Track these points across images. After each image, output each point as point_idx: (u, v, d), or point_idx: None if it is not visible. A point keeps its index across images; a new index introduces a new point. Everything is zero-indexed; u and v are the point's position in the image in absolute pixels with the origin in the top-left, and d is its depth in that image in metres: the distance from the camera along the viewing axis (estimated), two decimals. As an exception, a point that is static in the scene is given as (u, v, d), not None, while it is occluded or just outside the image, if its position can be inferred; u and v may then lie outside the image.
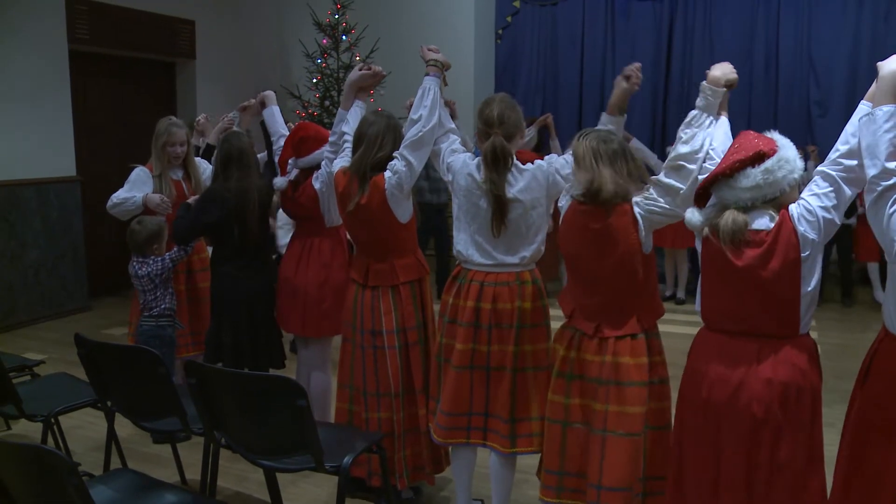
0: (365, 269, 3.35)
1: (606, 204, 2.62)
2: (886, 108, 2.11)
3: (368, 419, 3.36)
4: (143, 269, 3.97)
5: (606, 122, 2.99)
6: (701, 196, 2.45)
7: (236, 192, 3.70)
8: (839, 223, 2.31)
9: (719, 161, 2.49)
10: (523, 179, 2.98)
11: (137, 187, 4.42)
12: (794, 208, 2.30)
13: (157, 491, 2.66)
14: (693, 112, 2.61)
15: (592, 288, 2.76)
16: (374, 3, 9.23)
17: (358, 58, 8.89)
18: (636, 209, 2.65)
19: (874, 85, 2.22)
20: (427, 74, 3.18)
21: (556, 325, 2.96)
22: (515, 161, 3.01)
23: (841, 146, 2.27)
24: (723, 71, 2.63)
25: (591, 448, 2.73)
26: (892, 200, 2.05)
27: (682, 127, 2.63)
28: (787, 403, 2.31)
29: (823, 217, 2.27)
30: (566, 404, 2.79)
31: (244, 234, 3.73)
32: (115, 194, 4.41)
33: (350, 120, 3.51)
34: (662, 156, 7.16)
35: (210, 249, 4.44)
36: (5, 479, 2.24)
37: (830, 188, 2.28)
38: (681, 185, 2.56)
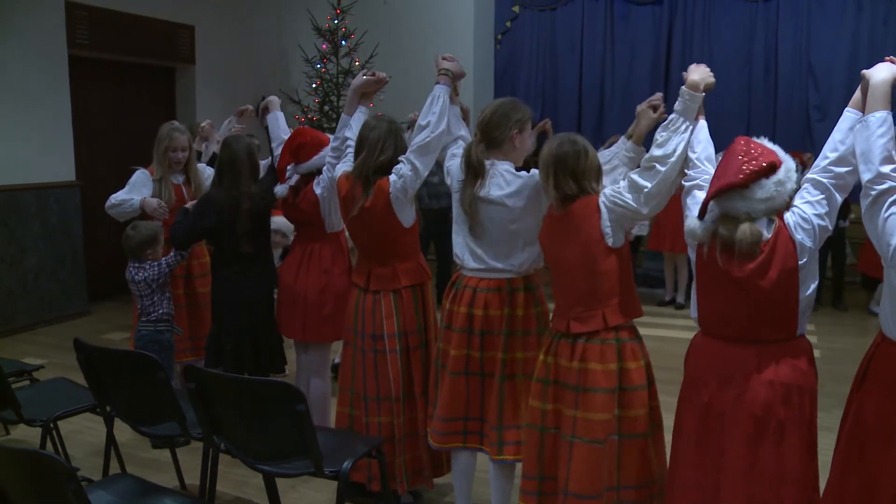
0: (367, 274, 3.36)
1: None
2: (879, 115, 2.17)
3: (369, 423, 3.36)
4: (140, 274, 3.98)
5: (630, 150, 3.02)
6: (706, 206, 2.42)
7: (227, 199, 3.71)
8: (832, 229, 2.34)
9: (703, 167, 2.54)
10: (513, 185, 2.97)
11: (137, 190, 4.43)
12: (789, 217, 2.31)
13: (157, 496, 2.66)
14: (671, 116, 2.64)
15: (561, 280, 2.79)
16: (373, 9, 9.24)
17: (357, 63, 8.90)
18: (601, 199, 2.68)
19: (857, 92, 2.30)
20: (438, 83, 3.20)
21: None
22: (508, 166, 3.00)
23: (830, 153, 2.31)
24: (701, 75, 2.65)
25: (560, 454, 2.74)
26: (887, 204, 2.09)
27: (659, 129, 2.65)
28: (790, 404, 2.33)
29: (818, 224, 2.30)
30: (543, 409, 2.80)
31: (234, 241, 3.73)
32: (115, 195, 4.42)
33: (353, 125, 3.52)
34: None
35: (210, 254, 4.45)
36: (4, 485, 2.24)
37: (822, 195, 2.31)
38: (646, 184, 2.60)
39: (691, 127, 2.62)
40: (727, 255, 2.32)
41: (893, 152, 2.14)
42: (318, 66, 8.99)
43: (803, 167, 2.46)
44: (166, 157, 4.47)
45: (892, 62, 2.30)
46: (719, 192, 2.31)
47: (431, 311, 3.44)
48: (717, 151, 2.66)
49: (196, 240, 4.08)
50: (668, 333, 6.16)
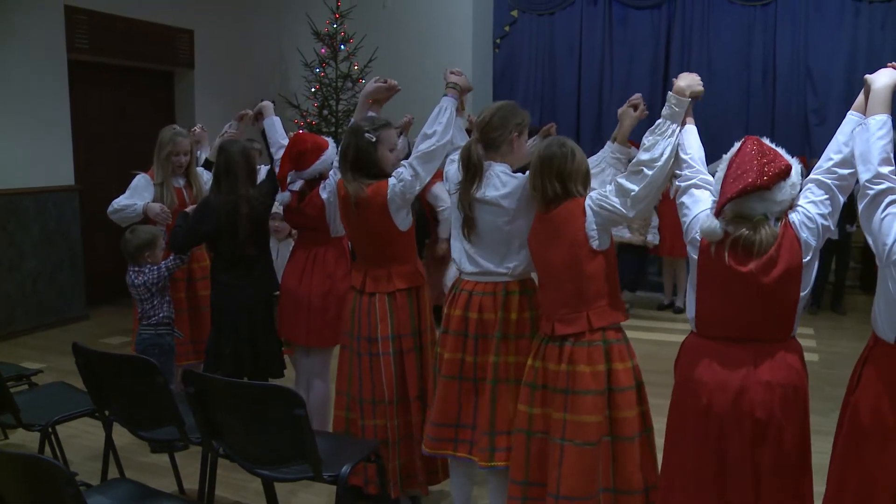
0: (363, 276, 3.37)
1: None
2: (879, 118, 2.24)
3: (364, 426, 3.36)
4: (139, 278, 3.98)
5: (616, 151, 3.08)
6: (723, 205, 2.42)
7: (225, 203, 3.71)
8: (834, 229, 2.39)
9: (697, 167, 2.56)
10: (508, 186, 2.97)
11: (138, 194, 4.43)
12: (794, 216, 2.35)
13: (155, 500, 2.66)
14: (658, 120, 2.66)
15: (546, 281, 2.82)
16: (372, 13, 9.26)
17: (356, 67, 8.92)
18: (588, 201, 2.72)
19: (861, 96, 2.36)
20: (445, 95, 3.24)
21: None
22: (504, 168, 3.01)
23: (833, 155, 2.36)
24: (688, 82, 2.69)
25: (549, 457, 2.74)
26: (884, 204, 2.14)
27: (647, 133, 2.67)
28: (787, 405, 2.36)
29: (822, 224, 2.34)
30: (530, 414, 2.81)
31: (234, 245, 3.73)
32: (117, 200, 4.43)
33: None
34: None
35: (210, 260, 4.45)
36: (3, 489, 2.24)
37: (826, 196, 2.35)
38: (633, 188, 2.63)
39: (678, 131, 2.65)
40: (736, 253, 2.33)
41: (892, 155, 2.19)
42: (317, 70, 9.00)
43: (807, 171, 2.51)
44: (169, 161, 4.47)
45: (893, 68, 2.35)
46: (744, 192, 2.31)
47: (427, 316, 3.44)
48: (714, 154, 2.67)
49: (195, 244, 4.08)
50: (667, 337, 6.15)
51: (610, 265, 2.76)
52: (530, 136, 3.42)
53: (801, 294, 2.37)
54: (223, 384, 2.83)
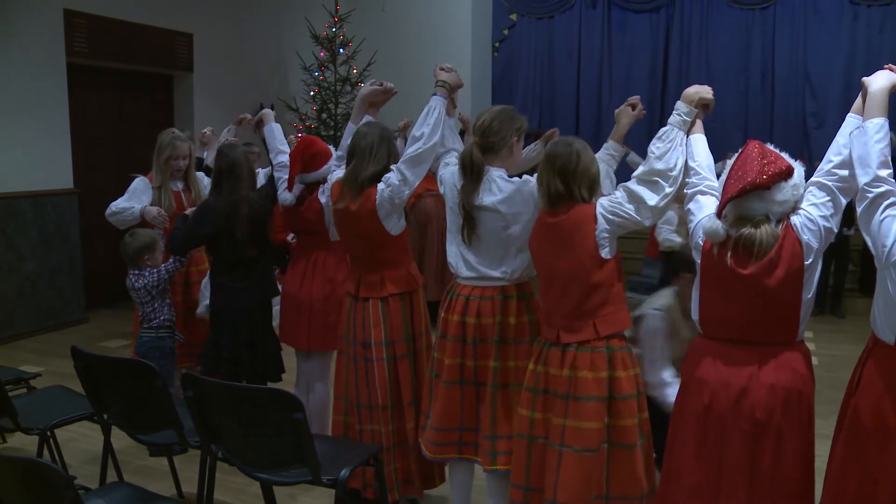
0: (357, 281, 3.37)
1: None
2: (876, 121, 2.25)
3: (362, 431, 3.36)
4: (139, 281, 3.98)
5: (611, 148, 3.10)
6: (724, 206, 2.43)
7: (225, 205, 3.71)
8: (836, 231, 2.39)
9: (704, 174, 2.56)
10: (505, 191, 2.96)
11: (137, 197, 4.43)
12: (796, 219, 2.36)
13: (154, 504, 2.66)
14: (664, 128, 2.67)
15: (551, 288, 2.79)
16: (371, 16, 9.26)
17: (355, 70, 8.92)
18: (599, 209, 2.68)
19: (859, 98, 2.38)
20: (434, 94, 3.19)
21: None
22: (501, 172, 3.00)
23: (834, 157, 2.38)
24: (696, 89, 2.70)
25: (548, 463, 2.73)
26: (882, 207, 2.16)
27: (654, 140, 2.67)
28: (789, 409, 2.36)
29: (824, 226, 2.35)
30: (532, 418, 2.80)
31: (234, 247, 3.73)
32: (115, 203, 4.43)
33: None
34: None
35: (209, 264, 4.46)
36: (1, 493, 2.23)
37: (827, 198, 2.36)
38: (651, 198, 2.62)
39: (686, 139, 2.66)
40: (739, 254, 2.34)
41: (890, 158, 2.21)
42: (316, 73, 9.00)
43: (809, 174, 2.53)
44: (168, 165, 4.47)
45: (890, 70, 2.37)
46: (743, 191, 2.33)
47: (421, 320, 3.42)
48: (715, 158, 2.68)
49: (194, 246, 4.07)
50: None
51: (617, 273, 2.75)
52: (532, 140, 3.41)
53: (806, 297, 2.37)
54: (222, 388, 2.83)
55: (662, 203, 2.64)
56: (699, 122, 2.72)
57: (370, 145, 3.24)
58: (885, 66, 2.40)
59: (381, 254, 3.32)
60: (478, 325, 3.01)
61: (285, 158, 3.92)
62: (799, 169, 2.40)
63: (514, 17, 9.85)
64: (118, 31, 7.63)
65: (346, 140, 3.55)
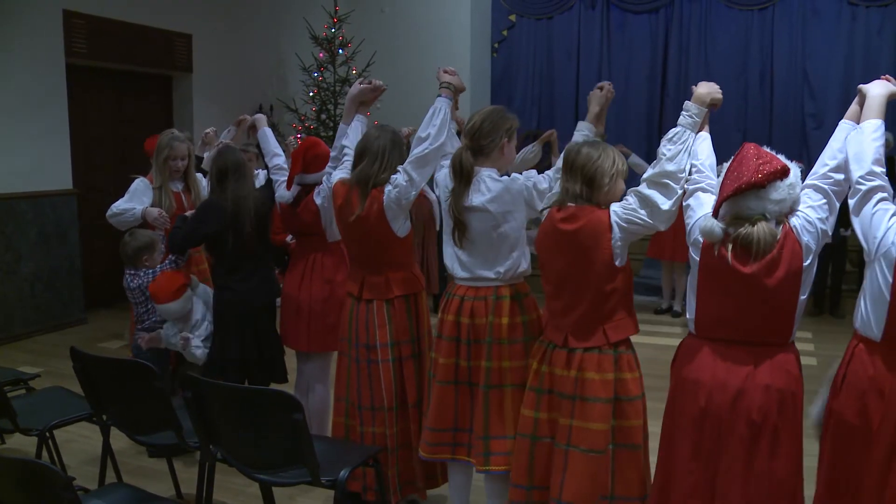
0: (360, 283, 3.36)
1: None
2: (873, 122, 2.37)
3: (363, 433, 3.35)
4: (135, 281, 3.98)
5: (583, 128, 3.06)
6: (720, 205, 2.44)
7: (233, 200, 3.71)
8: (831, 233, 2.42)
9: (706, 173, 2.57)
10: (494, 190, 2.97)
11: (137, 198, 4.44)
12: (795, 220, 2.38)
13: (153, 505, 2.66)
14: (675, 129, 2.66)
15: (561, 295, 2.77)
16: (370, 17, 9.27)
17: (354, 71, 8.93)
18: (614, 217, 2.66)
19: (854, 104, 2.47)
20: (439, 95, 3.19)
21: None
22: (490, 172, 3.00)
23: (829, 160, 2.42)
24: (708, 90, 2.71)
25: (554, 462, 2.73)
26: (874, 200, 2.24)
27: (664, 142, 2.66)
28: (784, 409, 2.37)
29: (821, 228, 2.38)
30: (536, 418, 2.80)
31: (240, 242, 3.73)
32: (116, 204, 4.43)
33: (350, 134, 3.53)
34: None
35: (208, 264, 4.46)
36: (0, 494, 2.23)
37: (823, 200, 2.40)
38: (664, 202, 2.60)
39: (696, 139, 2.66)
40: (738, 253, 2.35)
41: (884, 158, 2.29)
42: (315, 74, 9.00)
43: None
44: (167, 165, 4.48)
45: (887, 80, 2.45)
46: (738, 190, 2.34)
47: (425, 322, 3.43)
48: (715, 159, 2.69)
49: (195, 245, 4.07)
50: (666, 342, 6.13)
51: (628, 279, 2.74)
52: (530, 140, 3.41)
53: (801, 298, 2.39)
54: (221, 388, 2.83)
55: (675, 205, 2.62)
56: (706, 120, 2.73)
57: (382, 149, 3.24)
58: (883, 76, 2.47)
59: (386, 255, 3.31)
60: (471, 325, 3.02)
61: (281, 161, 3.96)
62: (795, 169, 2.40)
63: (513, 17, 9.85)
64: (117, 32, 7.63)
65: (338, 140, 3.56)
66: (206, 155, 5.00)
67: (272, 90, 9.51)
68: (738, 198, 2.35)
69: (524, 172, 3.04)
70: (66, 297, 7.18)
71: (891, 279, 2.18)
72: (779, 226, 2.36)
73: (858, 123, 2.41)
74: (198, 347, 3.86)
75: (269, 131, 4.13)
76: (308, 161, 3.74)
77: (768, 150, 2.44)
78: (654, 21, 9.37)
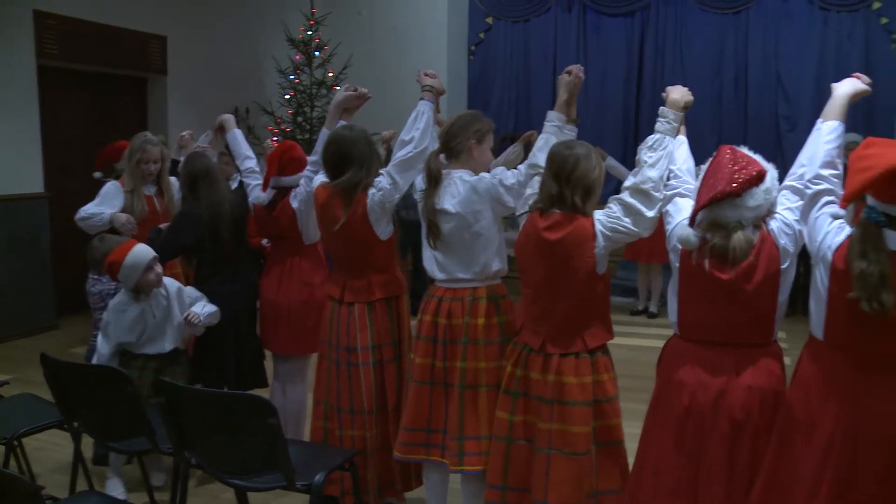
0: (342, 285, 3.35)
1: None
2: (832, 124, 2.38)
3: (342, 437, 3.34)
4: (96, 286, 3.93)
5: (553, 119, 3.05)
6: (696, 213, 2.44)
7: (208, 207, 3.69)
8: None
9: (683, 178, 2.59)
10: (462, 191, 2.99)
11: (108, 202, 4.38)
12: (772, 223, 2.39)
13: (125, 513, 2.62)
14: (654, 136, 2.67)
15: (540, 300, 2.78)
16: (347, 20, 9.24)
17: (331, 74, 8.89)
18: (598, 226, 2.66)
19: (829, 102, 2.44)
20: (422, 99, 3.21)
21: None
22: (463, 173, 3.03)
23: (806, 161, 2.40)
24: (681, 93, 2.73)
25: (536, 466, 2.73)
26: (820, 204, 2.28)
27: (643, 150, 2.67)
28: (765, 409, 2.39)
29: (798, 230, 2.39)
30: (511, 421, 2.81)
31: (218, 248, 3.70)
32: (84, 207, 4.38)
33: None
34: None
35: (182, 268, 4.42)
36: (-34, 504, 2.19)
37: (801, 201, 2.39)
38: (648, 210, 2.61)
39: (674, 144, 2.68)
40: (715, 261, 2.36)
41: (838, 160, 2.31)
42: (292, 77, 8.96)
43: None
44: (139, 168, 4.43)
45: (857, 78, 2.45)
46: (713, 200, 2.34)
47: (406, 324, 3.43)
48: (693, 163, 2.69)
49: (171, 258, 4.00)
50: (642, 342, 6.17)
51: (607, 286, 2.77)
52: (508, 143, 3.41)
53: (782, 300, 2.42)
54: (195, 394, 2.80)
55: (658, 212, 2.64)
56: (683, 123, 2.75)
57: (366, 155, 3.25)
58: (853, 73, 2.48)
59: (368, 258, 3.31)
60: (448, 325, 3.03)
61: (253, 164, 3.96)
62: (772, 172, 2.41)
63: (490, 20, 9.86)
64: (90, 33, 7.55)
65: (320, 145, 3.54)
66: (181, 158, 4.96)
67: (248, 93, 9.44)
68: (713, 206, 2.36)
69: (492, 171, 3.05)
70: (37, 302, 7.08)
71: (828, 283, 2.22)
72: (756, 230, 2.37)
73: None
74: (203, 311, 3.63)
75: (238, 133, 4.10)
76: (284, 164, 3.73)
77: (745, 150, 2.44)
78: (630, 24, 9.42)
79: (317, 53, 8.93)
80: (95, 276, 3.96)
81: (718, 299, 2.39)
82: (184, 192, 3.83)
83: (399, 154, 3.18)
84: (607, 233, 2.65)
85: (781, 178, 2.49)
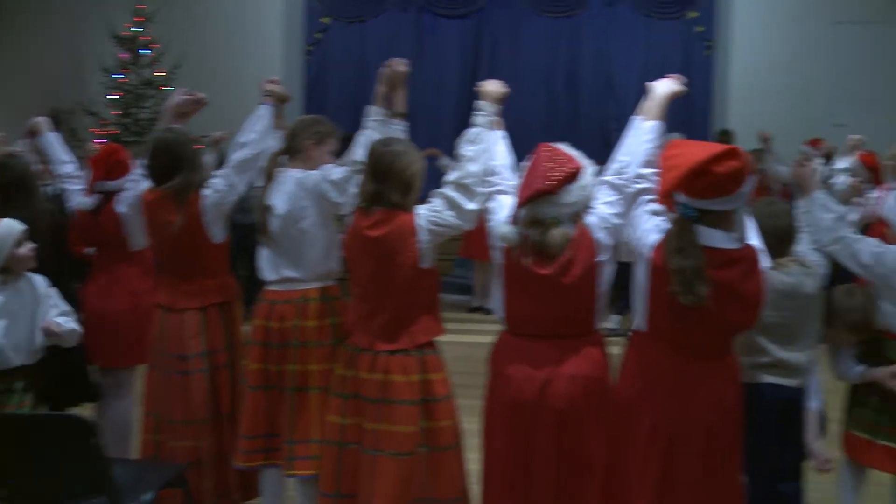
0: (172, 292, 3.25)
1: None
2: (651, 123, 2.52)
3: (174, 448, 3.22)
4: None
5: (373, 115, 3.05)
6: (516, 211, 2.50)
7: (25, 220, 3.42)
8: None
9: (504, 174, 2.65)
10: (288, 188, 3.00)
11: None
12: (589, 218, 2.47)
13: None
14: (475, 129, 2.72)
15: (368, 298, 2.78)
16: (177, 17, 8.90)
17: (163, 73, 8.54)
18: (420, 221, 2.68)
19: (646, 102, 2.60)
20: (263, 103, 3.18)
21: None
22: (295, 172, 3.03)
23: (622, 157, 2.52)
24: (496, 86, 2.79)
25: (362, 468, 2.72)
26: (640, 202, 2.41)
27: (464, 144, 2.71)
28: (590, 396, 2.48)
29: (616, 223, 2.48)
30: (342, 424, 2.79)
31: (38, 261, 3.46)
32: None
33: None
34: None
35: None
36: None
37: (619, 196, 2.49)
38: (469, 202, 2.65)
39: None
40: (535, 256, 2.42)
41: (655, 158, 2.44)
42: (118, 76, 8.53)
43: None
44: None
45: (673, 79, 2.61)
46: (531, 198, 2.40)
47: (238, 330, 3.37)
48: (521, 160, 2.75)
49: None
50: (480, 339, 6.19)
51: (434, 281, 2.79)
52: (345, 144, 3.39)
53: (601, 291, 2.50)
54: (4, 418, 2.59)
55: (480, 204, 2.67)
56: (500, 120, 2.80)
57: (193, 155, 3.22)
58: (671, 75, 2.64)
59: (201, 262, 3.23)
60: (280, 328, 3.01)
61: (72, 169, 3.78)
62: (588, 169, 2.49)
63: (326, 20, 9.79)
64: None
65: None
66: None
67: (71, 93, 8.89)
68: (532, 203, 2.42)
69: (320, 167, 3.04)
70: None
71: (648, 278, 2.37)
72: (574, 225, 2.45)
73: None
74: (67, 326, 3.16)
75: (53, 136, 3.88)
76: (110, 167, 3.60)
77: (566, 147, 2.52)
78: (465, 26, 9.63)
79: (146, 51, 8.56)
80: None
81: (540, 293, 2.46)
82: None
83: (236, 156, 3.15)
84: (430, 227, 2.67)
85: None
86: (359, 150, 2.93)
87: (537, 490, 2.49)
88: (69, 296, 3.65)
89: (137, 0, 8.59)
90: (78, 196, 3.69)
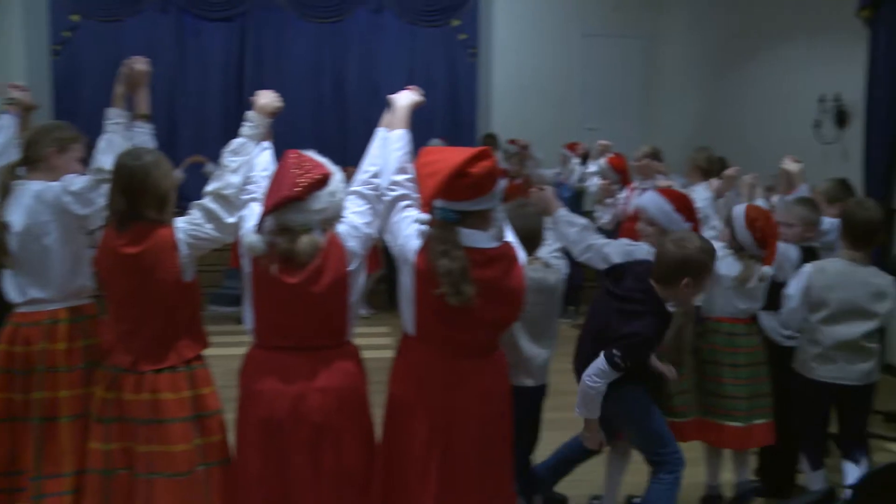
0: None
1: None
2: (398, 132, 2.55)
3: None
4: None
5: (114, 117, 2.93)
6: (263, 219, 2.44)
7: None
8: (377, 236, 2.58)
9: (263, 184, 2.57)
10: (24, 203, 2.79)
11: None
12: (340, 227, 2.47)
13: None
14: (239, 140, 2.65)
15: (127, 316, 2.65)
16: None
17: None
18: (179, 234, 2.60)
19: (387, 113, 2.62)
20: (6, 112, 3.05)
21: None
22: (36, 185, 2.82)
23: (369, 167, 2.56)
24: (269, 99, 2.74)
25: (137, 495, 2.59)
26: (398, 208, 2.46)
27: (227, 154, 2.63)
28: (344, 407, 2.48)
29: (366, 232, 2.52)
30: (107, 450, 2.63)
31: None
32: None
33: None
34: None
35: None
36: None
37: (368, 206, 2.53)
38: (228, 216, 2.60)
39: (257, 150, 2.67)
40: (283, 265, 2.38)
41: (407, 164, 2.51)
42: None
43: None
44: None
45: (412, 90, 2.67)
46: (277, 205, 2.36)
47: None
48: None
49: None
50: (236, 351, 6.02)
51: (196, 294, 2.70)
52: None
53: (352, 300, 2.50)
54: None
55: (237, 215, 2.60)
56: (269, 132, 2.75)
57: None
58: (408, 86, 2.70)
59: None
60: (26, 353, 2.79)
61: None
62: (336, 175, 2.49)
63: (76, 17, 9.06)
64: None
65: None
66: None
67: None
68: (280, 211, 2.38)
69: (64, 177, 2.83)
70: None
71: (414, 283, 2.42)
72: (324, 233, 2.43)
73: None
74: None
75: None
76: None
77: (315, 155, 2.50)
78: (229, 30, 9.34)
79: None
80: None
81: (288, 303, 2.43)
82: None
83: None
84: (190, 241, 2.60)
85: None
86: (101, 157, 2.77)
87: None
88: None
89: None
90: None
